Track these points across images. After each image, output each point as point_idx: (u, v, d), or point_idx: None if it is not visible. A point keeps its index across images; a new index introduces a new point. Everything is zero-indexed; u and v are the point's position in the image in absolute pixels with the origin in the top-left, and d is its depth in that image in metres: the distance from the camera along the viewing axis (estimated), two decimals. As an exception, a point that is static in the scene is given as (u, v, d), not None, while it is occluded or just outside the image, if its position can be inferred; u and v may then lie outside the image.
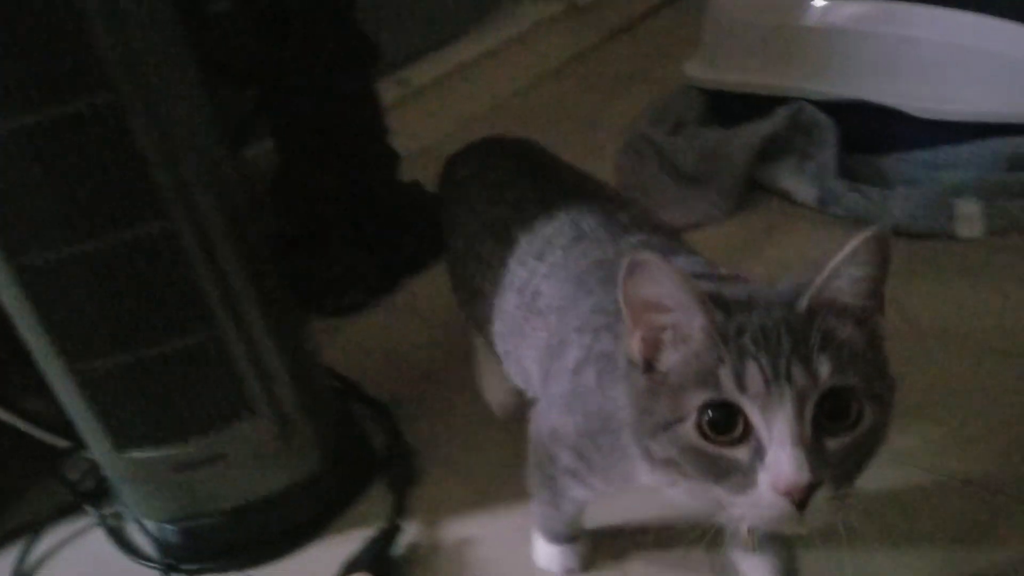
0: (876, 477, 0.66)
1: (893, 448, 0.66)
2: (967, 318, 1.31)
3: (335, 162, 1.57)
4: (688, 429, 0.63)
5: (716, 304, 0.64)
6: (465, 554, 1.09)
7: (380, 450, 1.25)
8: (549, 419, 0.88)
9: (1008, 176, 1.48)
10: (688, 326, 0.64)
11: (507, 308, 0.98)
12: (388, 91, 2.05)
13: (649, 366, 0.67)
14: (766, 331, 0.62)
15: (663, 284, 0.64)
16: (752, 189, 1.70)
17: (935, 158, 1.57)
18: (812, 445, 0.60)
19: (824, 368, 0.60)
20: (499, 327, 1.01)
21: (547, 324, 0.91)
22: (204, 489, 1.07)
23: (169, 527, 1.11)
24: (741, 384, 0.60)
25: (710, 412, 0.62)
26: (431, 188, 1.80)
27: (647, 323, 0.66)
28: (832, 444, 0.61)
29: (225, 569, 1.12)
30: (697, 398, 0.62)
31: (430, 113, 2.16)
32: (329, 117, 1.55)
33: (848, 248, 0.62)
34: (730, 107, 1.81)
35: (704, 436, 0.62)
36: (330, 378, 1.30)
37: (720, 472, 0.62)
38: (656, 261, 0.63)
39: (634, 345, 0.67)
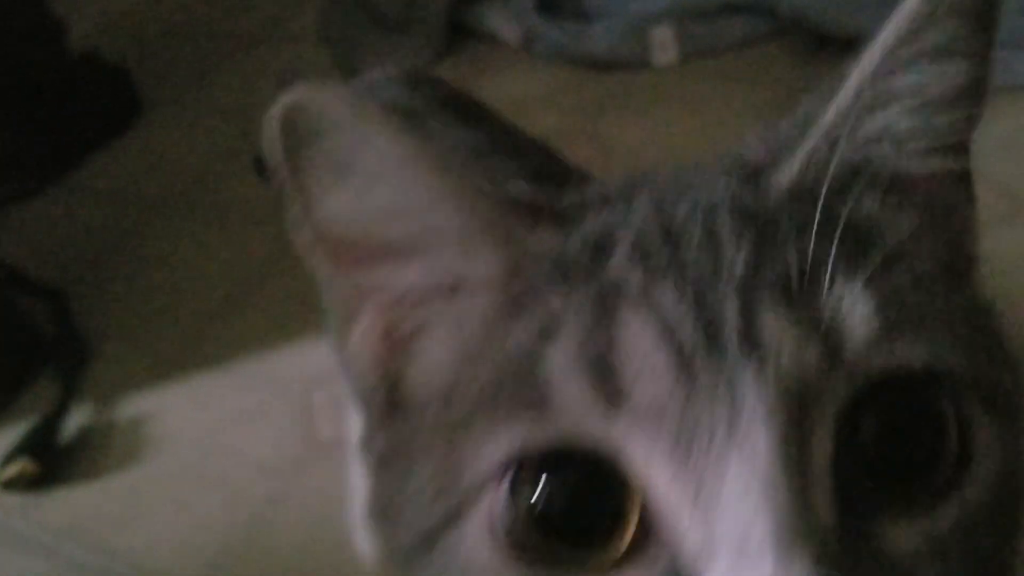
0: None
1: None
2: (662, 142, 1.40)
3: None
4: (477, 533, 0.28)
5: (529, 206, 0.31)
6: (141, 431, 1.10)
7: (48, 338, 1.23)
8: None
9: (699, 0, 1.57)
10: (471, 278, 0.31)
11: None
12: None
13: (391, 394, 0.33)
14: (673, 228, 0.29)
15: (384, 168, 0.29)
16: (458, 33, 1.72)
17: (632, -11, 1.64)
18: (842, 548, 0.25)
19: (860, 312, 0.26)
20: None
21: None
22: None
23: None
24: (610, 382, 0.26)
25: (542, 480, 0.27)
26: (112, 59, 1.73)
27: (373, 288, 0.32)
28: (900, 538, 0.26)
29: None
30: (497, 446, 0.28)
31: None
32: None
33: (903, 15, 0.29)
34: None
35: (524, 548, 0.27)
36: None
37: None
38: (345, 101, 0.29)
39: (359, 341, 0.33)
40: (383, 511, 0.32)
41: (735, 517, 0.24)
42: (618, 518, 0.26)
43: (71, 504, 1.04)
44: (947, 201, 0.32)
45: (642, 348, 0.26)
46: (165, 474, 1.05)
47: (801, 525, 0.24)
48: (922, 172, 0.31)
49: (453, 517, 0.28)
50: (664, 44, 1.55)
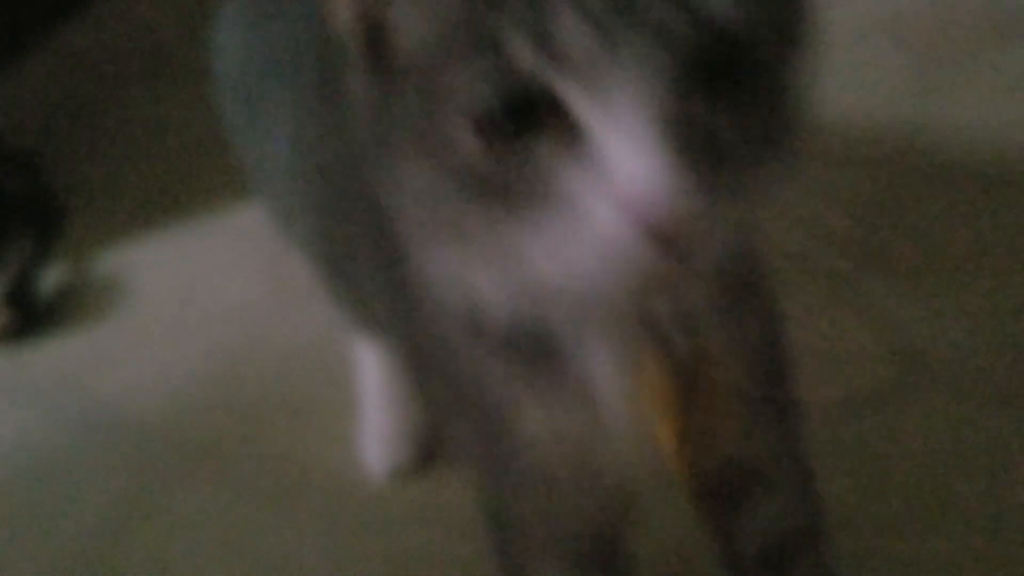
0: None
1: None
2: None
3: None
4: (453, 129, 0.38)
5: None
6: (118, 284, 1.17)
7: (22, 199, 1.29)
8: None
9: None
10: None
11: None
12: None
13: (376, 51, 0.42)
14: None
15: None
16: None
17: None
18: (679, 114, 0.35)
19: None
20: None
21: None
22: None
23: None
24: (548, 48, 0.36)
25: (490, 98, 0.37)
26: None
27: None
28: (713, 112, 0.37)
29: None
30: (463, 76, 0.37)
31: None
32: None
33: None
34: None
35: (484, 136, 0.37)
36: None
37: (515, 201, 0.38)
38: None
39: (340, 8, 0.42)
40: (377, 125, 0.43)
41: (623, 106, 0.35)
42: (538, 118, 0.37)
43: (53, 355, 1.11)
44: None
45: (573, 29, 0.35)
46: (144, 325, 1.12)
47: (661, 106, 0.35)
48: None
49: (437, 118, 0.39)
50: None
